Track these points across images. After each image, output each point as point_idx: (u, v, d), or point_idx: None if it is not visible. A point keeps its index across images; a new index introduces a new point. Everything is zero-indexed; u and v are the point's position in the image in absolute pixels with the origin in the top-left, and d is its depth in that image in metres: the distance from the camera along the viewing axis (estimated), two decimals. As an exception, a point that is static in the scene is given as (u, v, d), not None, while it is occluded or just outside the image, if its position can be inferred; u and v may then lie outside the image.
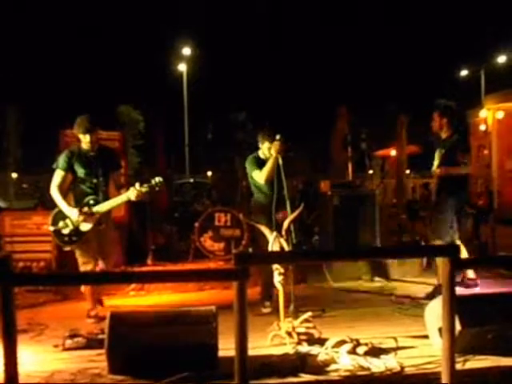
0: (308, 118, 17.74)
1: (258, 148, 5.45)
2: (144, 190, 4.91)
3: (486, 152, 14.30)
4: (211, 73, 21.09)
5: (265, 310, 5.17)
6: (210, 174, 25.93)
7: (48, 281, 3.51)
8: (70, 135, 6.91)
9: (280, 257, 3.67)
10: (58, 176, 5.03)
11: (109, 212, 5.13)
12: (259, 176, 5.21)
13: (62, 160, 5.05)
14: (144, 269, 7.00)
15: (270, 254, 3.94)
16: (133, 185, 4.97)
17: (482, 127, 14.37)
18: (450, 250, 3.49)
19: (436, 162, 5.69)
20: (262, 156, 5.38)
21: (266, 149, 5.26)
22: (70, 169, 5.03)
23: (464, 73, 20.32)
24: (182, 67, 23.69)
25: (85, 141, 5.03)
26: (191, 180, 16.03)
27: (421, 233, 8.41)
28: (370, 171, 16.54)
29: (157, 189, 5.02)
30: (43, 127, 15.93)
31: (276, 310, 4.54)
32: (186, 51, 23.08)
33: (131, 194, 4.92)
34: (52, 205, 5.13)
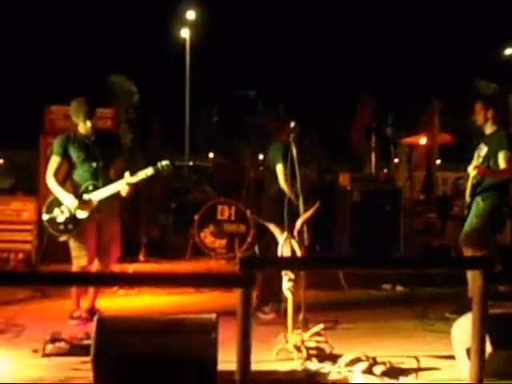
0: (327, 99, 17.64)
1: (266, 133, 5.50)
2: (149, 174, 5.01)
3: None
4: (219, 41, 20.99)
5: (264, 317, 5.24)
6: (211, 155, 25.95)
7: (24, 281, 3.55)
8: (55, 112, 7.01)
9: (291, 263, 3.72)
10: (53, 162, 5.17)
11: (112, 202, 5.21)
12: (281, 173, 5.29)
13: (56, 145, 5.19)
14: (135, 266, 7.07)
15: (280, 259, 4.00)
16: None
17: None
18: (483, 263, 3.53)
19: (475, 161, 5.60)
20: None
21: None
22: (65, 154, 5.16)
23: (509, 51, 20.19)
24: (185, 33, 23.64)
25: (85, 128, 5.17)
26: (190, 163, 16.07)
27: (452, 236, 8.42)
28: (396, 160, 16.54)
29: (164, 174, 5.13)
30: (26, 100, 16.01)
31: (281, 317, 4.60)
32: (190, 15, 23.02)
33: (122, 185, 5.01)
34: (30, 187, 5.23)
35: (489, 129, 5.72)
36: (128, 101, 19.97)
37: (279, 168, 5.34)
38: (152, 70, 19.19)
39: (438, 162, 18.49)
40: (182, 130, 22.87)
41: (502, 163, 5.48)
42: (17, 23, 17.08)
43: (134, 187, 5.14)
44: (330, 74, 18.04)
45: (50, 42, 18.28)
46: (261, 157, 11.20)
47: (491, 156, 5.55)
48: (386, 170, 17.75)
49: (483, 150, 5.63)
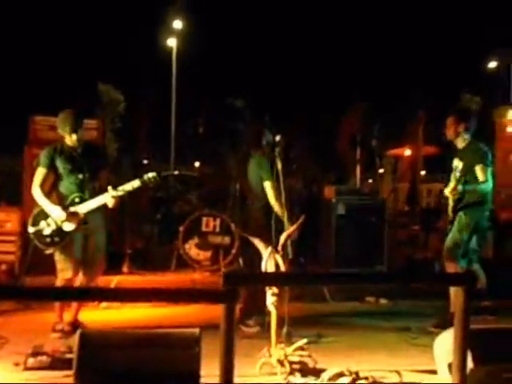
0: (315, 108, 17.71)
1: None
2: (135, 186, 5.03)
3: (513, 157, 14.39)
4: (205, 50, 21.00)
5: (249, 330, 5.25)
6: (197, 164, 25.90)
7: (7, 295, 3.54)
8: (40, 123, 6.99)
9: (275, 278, 3.74)
10: (39, 174, 5.19)
11: (99, 214, 5.22)
12: (270, 189, 5.26)
13: (43, 157, 5.21)
14: (119, 278, 7.05)
15: (264, 275, 4.01)
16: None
17: (510, 129, 14.45)
18: (465, 279, 3.57)
19: (452, 183, 5.54)
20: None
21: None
22: (52, 166, 5.18)
23: (492, 65, 20.36)
24: (172, 42, 23.66)
25: (71, 140, 5.19)
26: (176, 172, 15.96)
27: (435, 248, 8.48)
28: (381, 170, 16.61)
29: (151, 186, 5.15)
30: (11, 107, 15.90)
31: (264, 331, 4.61)
32: (177, 24, 23.03)
33: (108, 198, 5.01)
34: (13, 197, 5.22)
35: (460, 143, 5.75)
36: (114, 110, 19.88)
37: (268, 185, 5.30)
38: (139, 79, 19.17)
39: (423, 173, 18.60)
40: (168, 139, 22.82)
41: (480, 177, 5.52)
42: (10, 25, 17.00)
43: (120, 199, 5.15)
44: (316, 84, 18.13)
45: (36, 50, 18.19)
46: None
47: (467, 170, 5.59)
48: (371, 181, 17.83)
49: (458, 166, 5.66)
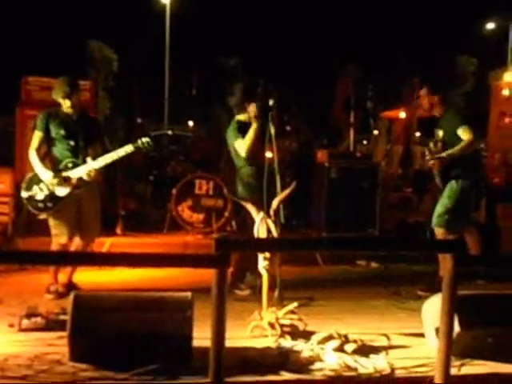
0: (309, 71, 17.59)
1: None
2: (128, 151, 5.04)
3: (507, 120, 14.38)
4: (200, 6, 20.71)
5: (241, 293, 5.33)
6: (191, 124, 25.76)
7: (3, 259, 3.58)
8: (32, 83, 6.94)
9: (266, 244, 3.79)
10: (35, 138, 5.21)
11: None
12: (241, 147, 5.26)
13: (39, 121, 5.23)
14: (112, 240, 7.10)
15: (256, 240, 4.06)
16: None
17: (506, 92, 14.39)
18: (454, 246, 3.62)
19: (432, 153, 5.53)
20: (244, 119, 5.41)
21: (253, 111, 5.24)
22: (47, 130, 5.19)
23: (490, 26, 20.21)
24: (166, -1, 23.32)
25: (65, 106, 5.19)
26: (169, 132, 15.89)
27: (428, 211, 8.53)
28: (375, 132, 16.60)
29: (144, 150, 5.17)
30: (1, 69, 15.71)
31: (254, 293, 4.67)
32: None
33: (113, 156, 5.06)
34: (6, 158, 5.23)
35: (438, 112, 5.76)
36: (107, 68, 19.70)
37: (238, 145, 5.32)
38: (131, 37, 18.95)
39: (418, 134, 18.58)
40: (161, 98, 22.69)
41: (465, 137, 5.50)
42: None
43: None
44: (312, 46, 17.96)
45: (27, 9, 17.90)
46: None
47: (450, 137, 5.59)
48: (365, 142, 17.85)
49: (439, 135, 5.67)
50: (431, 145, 5.61)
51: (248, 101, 5.36)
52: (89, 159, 5.09)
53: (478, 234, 5.85)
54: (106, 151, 5.21)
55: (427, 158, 5.59)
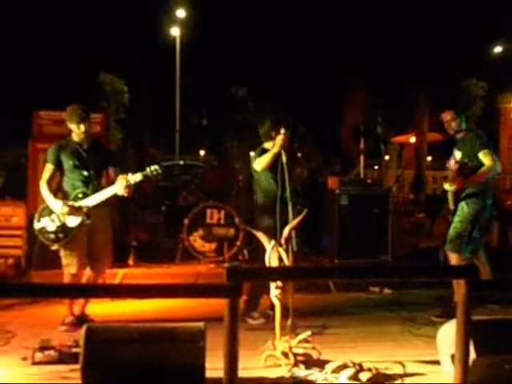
0: (319, 98, 17.68)
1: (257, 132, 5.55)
2: (138, 180, 5.06)
3: (518, 144, 14.36)
4: (209, 39, 20.94)
5: (254, 322, 5.30)
6: (202, 153, 25.91)
7: (9, 293, 3.59)
8: (44, 117, 7.03)
9: (278, 273, 3.78)
10: (47, 170, 5.26)
11: (103, 209, 5.27)
12: (258, 163, 5.33)
13: (50, 153, 5.28)
14: (124, 271, 7.11)
15: (267, 270, 4.05)
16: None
17: (516, 115, 14.41)
18: (467, 271, 3.60)
19: (450, 175, 5.59)
20: (270, 148, 5.43)
21: (281, 139, 5.23)
22: (58, 162, 5.24)
23: (497, 50, 20.25)
24: (175, 31, 23.61)
25: (78, 131, 5.23)
26: (181, 162, 15.97)
27: (440, 236, 8.47)
28: (386, 157, 16.60)
29: (153, 179, 5.20)
30: (15, 101, 15.90)
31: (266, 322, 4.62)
32: (181, 13, 22.99)
33: (119, 187, 5.06)
34: (19, 191, 5.27)
35: (459, 135, 5.77)
36: (118, 100, 19.91)
37: (256, 163, 5.38)
38: (142, 69, 19.17)
39: (429, 158, 18.57)
40: (172, 129, 22.84)
41: (486, 162, 5.51)
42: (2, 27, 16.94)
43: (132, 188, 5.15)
44: (320, 70, 18.05)
45: (39, 42, 18.16)
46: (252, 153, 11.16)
47: (470, 159, 5.59)
48: (376, 167, 17.84)
49: (457, 157, 5.67)
50: (451, 165, 5.60)
51: (276, 130, 5.42)
52: (122, 176, 5.06)
53: (488, 262, 5.78)
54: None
55: (448, 181, 5.55)
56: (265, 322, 5.29)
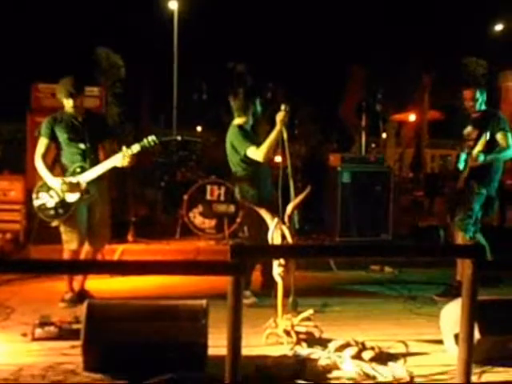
0: (317, 73, 17.53)
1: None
2: (134, 151, 4.97)
3: (518, 121, 14.27)
4: (207, 13, 20.71)
5: (246, 301, 5.20)
6: (199, 129, 25.70)
7: (8, 269, 3.53)
8: (42, 90, 6.93)
9: (282, 251, 3.73)
10: (41, 144, 5.15)
11: (102, 183, 5.20)
12: (257, 154, 5.11)
13: (44, 127, 5.16)
14: (124, 247, 7.05)
15: (271, 247, 4.00)
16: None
17: (516, 93, 14.31)
18: (474, 251, 3.55)
19: (480, 146, 5.34)
20: (246, 126, 5.33)
21: (282, 114, 4.94)
22: (53, 136, 5.13)
23: (499, 27, 20.07)
24: (173, 5, 23.34)
25: (68, 106, 5.12)
26: (179, 138, 15.80)
27: (439, 214, 8.44)
28: (384, 135, 16.49)
29: (150, 149, 5.11)
30: (12, 74, 15.72)
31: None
32: (179, -14, 22.70)
33: (119, 159, 4.98)
34: (17, 165, 5.18)
35: (475, 112, 5.69)
36: (115, 74, 19.69)
37: (251, 152, 5.14)
38: (139, 43, 18.95)
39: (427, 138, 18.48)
40: (170, 104, 22.66)
41: (503, 143, 5.42)
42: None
43: (135, 157, 5.05)
44: (319, 47, 17.90)
45: (33, 16, 17.93)
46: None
47: (491, 140, 5.49)
48: (373, 145, 17.77)
49: (472, 135, 5.58)
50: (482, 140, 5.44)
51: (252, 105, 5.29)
52: (124, 147, 4.97)
53: (486, 242, 5.72)
54: (114, 152, 5.14)
55: (475, 153, 5.40)
56: (256, 301, 5.25)
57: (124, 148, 4.99)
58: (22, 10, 17.84)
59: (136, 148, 5.00)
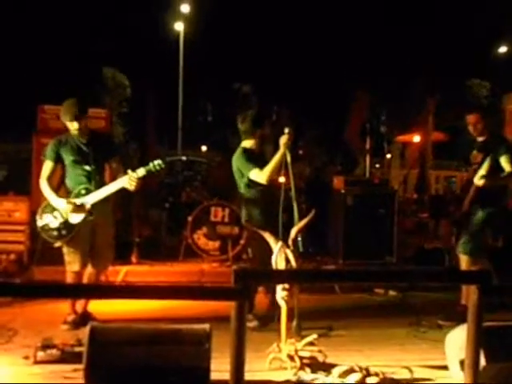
0: (323, 96, 17.62)
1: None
2: (140, 175, 4.97)
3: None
4: (213, 35, 20.87)
5: (249, 325, 5.16)
6: (204, 148, 25.81)
7: (10, 292, 3.52)
8: (48, 112, 6.97)
9: (285, 276, 3.71)
10: (46, 167, 5.18)
11: (106, 205, 5.19)
12: (260, 176, 5.11)
13: (49, 150, 5.20)
14: (127, 268, 7.04)
15: (275, 272, 3.98)
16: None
17: (521, 116, 14.32)
18: (479, 277, 3.53)
19: (483, 171, 5.29)
20: (252, 147, 5.34)
21: (285, 138, 4.95)
22: (58, 159, 5.16)
23: (503, 50, 20.19)
24: (179, 26, 23.51)
25: (72, 128, 5.13)
26: (184, 158, 15.83)
27: (445, 236, 8.40)
28: (388, 155, 16.53)
29: (156, 173, 5.12)
30: (18, 98, 15.86)
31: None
32: (185, 8, 22.89)
33: (124, 182, 4.98)
34: (22, 186, 5.20)
35: (481, 136, 5.68)
36: (121, 94, 19.88)
37: (254, 175, 5.16)
38: (145, 64, 19.10)
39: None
40: (175, 125, 22.78)
41: (507, 167, 5.39)
42: (7, 22, 16.90)
43: (141, 181, 5.03)
44: (324, 70, 18.01)
45: (39, 37, 18.10)
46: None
47: (489, 162, 5.49)
48: (378, 166, 17.81)
49: (477, 158, 5.57)
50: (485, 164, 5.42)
51: (262, 128, 5.32)
52: (129, 171, 4.95)
53: (491, 264, 5.68)
54: (120, 171, 5.14)
55: (480, 174, 5.36)
56: (259, 324, 5.21)
57: (129, 172, 4.99)
58: (30, 34, 18.02)
59: (141, 172, 5.00)
